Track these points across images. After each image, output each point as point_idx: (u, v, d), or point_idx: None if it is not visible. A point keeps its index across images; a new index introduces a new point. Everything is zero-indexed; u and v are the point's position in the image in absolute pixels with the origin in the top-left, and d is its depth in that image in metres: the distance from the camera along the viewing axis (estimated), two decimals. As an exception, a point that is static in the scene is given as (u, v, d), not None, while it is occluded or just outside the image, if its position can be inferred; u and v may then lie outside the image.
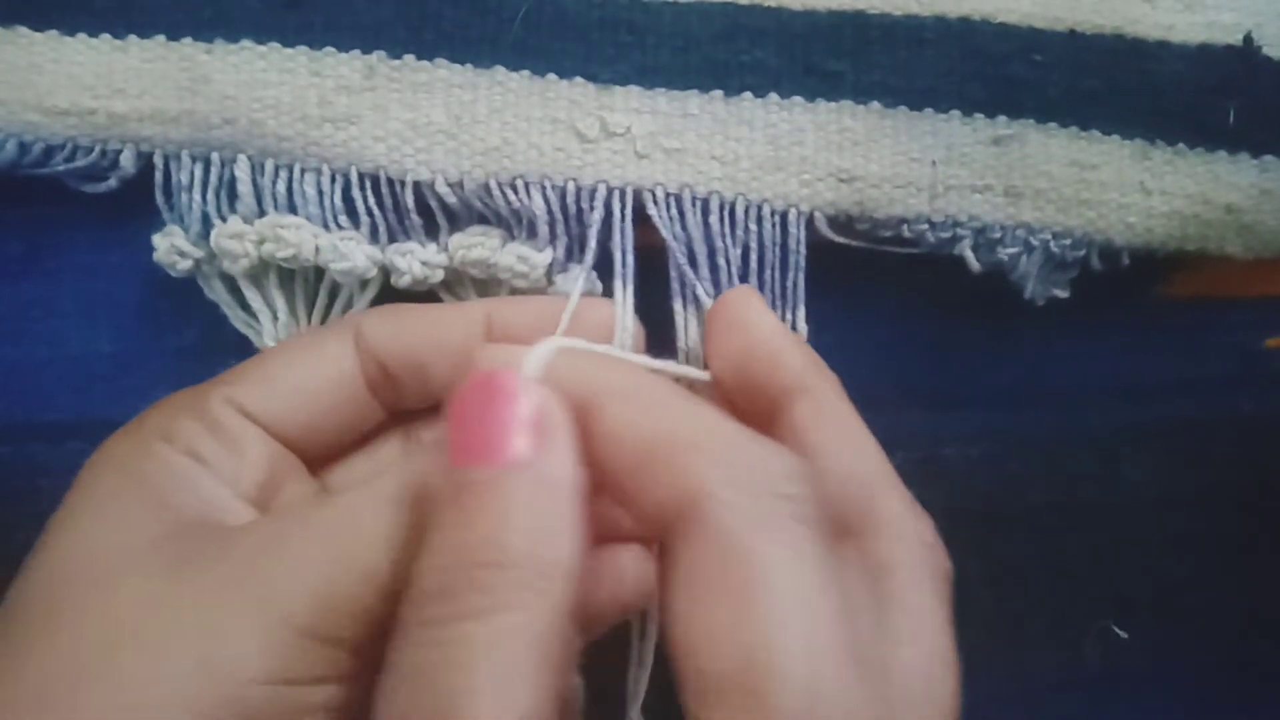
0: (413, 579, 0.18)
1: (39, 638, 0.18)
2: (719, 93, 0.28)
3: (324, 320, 0.29)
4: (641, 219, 0.28)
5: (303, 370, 0.23)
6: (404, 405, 0.25)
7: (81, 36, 0.28)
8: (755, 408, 0.24)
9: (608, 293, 0.28)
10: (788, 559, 0.18)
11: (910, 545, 0.21)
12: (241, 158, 0.28)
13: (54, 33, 0.28)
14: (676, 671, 0.18)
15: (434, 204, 0.28)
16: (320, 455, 0.24)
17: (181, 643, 0.18)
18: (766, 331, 0.25)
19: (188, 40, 0.27)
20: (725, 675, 0.17)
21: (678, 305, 0.28)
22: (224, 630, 0.18)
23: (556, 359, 0.21)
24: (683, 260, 0.28)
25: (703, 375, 0.26)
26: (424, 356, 0.23)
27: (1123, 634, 0.34)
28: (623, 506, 0.20)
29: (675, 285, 0.28)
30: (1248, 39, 0.29)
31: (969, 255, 0.28)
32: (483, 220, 0.28)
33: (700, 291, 0.28)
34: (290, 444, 0.23)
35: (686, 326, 0.28)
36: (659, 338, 0.28)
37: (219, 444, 0.22)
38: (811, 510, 0.19)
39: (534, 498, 0.18)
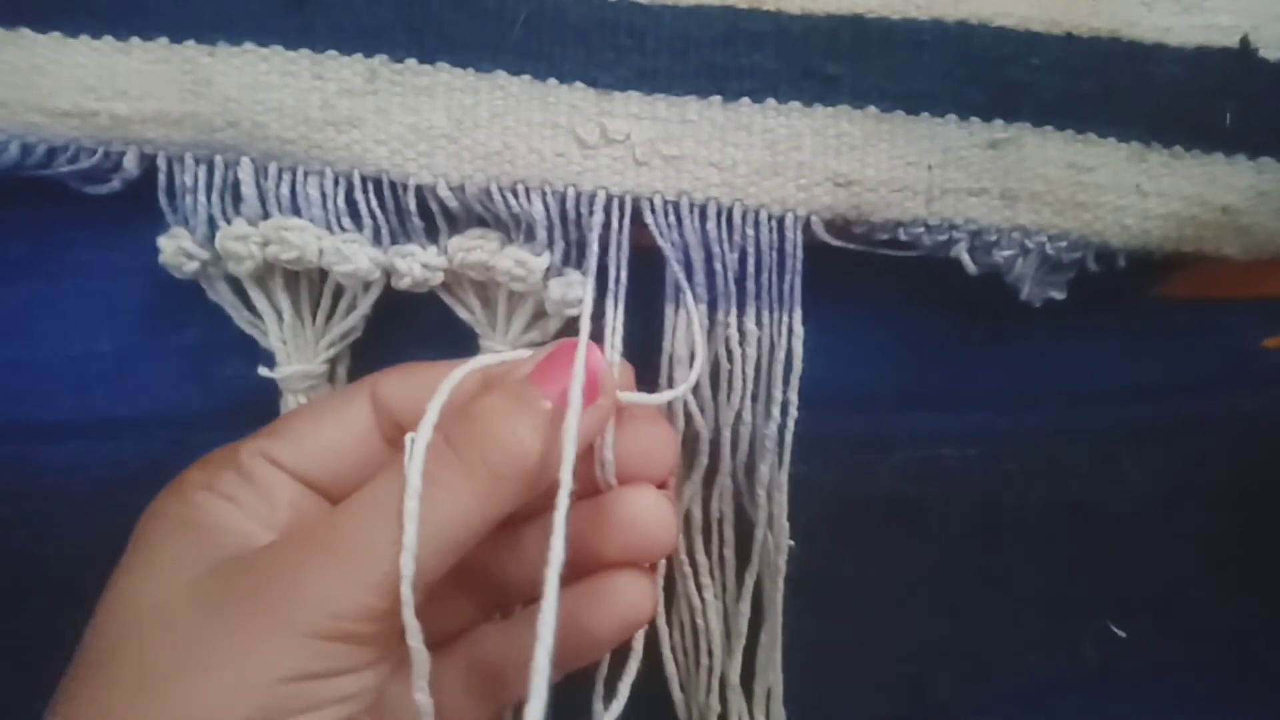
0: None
1: (105, 669, 0.22)
2: (717, 98, 0.28)
3: (328, 321, 0.29)
4: (639, 221, 0.28)
5: (326, 426, 0.26)
6: None
7: (84, 38, 0.28)
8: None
9: (602, 299, 0.28)
10: None
11: None
12: (245, 160, 0.28)
13: (56, 34, 0.28)
14: None
15: (435, 207, 0.28)
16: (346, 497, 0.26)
17: (218, 662, 0.21)
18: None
19: (190, 43, 0.28)
20: None
21: (669, 310, 0.28)
22: (251, 645, 0.21)
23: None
24: (679, 269, 0.28)
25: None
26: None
27: (1122, 634, 0.34)
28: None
29: (670, 291, 0.28)
30: (1245, 41, 0.29)
31: (965, 258, 0.28)
32: (482, 223, 0.29)
33: (691, 299, 0.28)
34: (318, 490, 0.25)
35: (675, 331, 0.28)
36: (658, 338, 0.28)
37: (251, 489, 0.24)
38: None
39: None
